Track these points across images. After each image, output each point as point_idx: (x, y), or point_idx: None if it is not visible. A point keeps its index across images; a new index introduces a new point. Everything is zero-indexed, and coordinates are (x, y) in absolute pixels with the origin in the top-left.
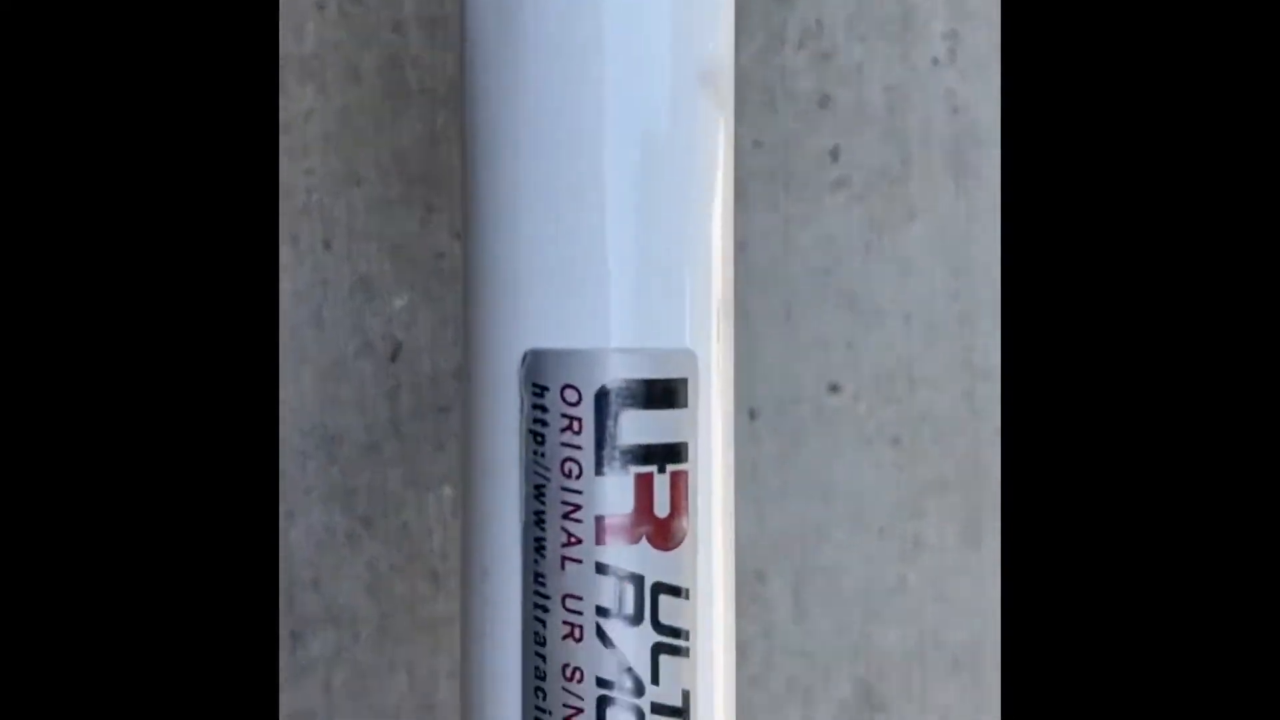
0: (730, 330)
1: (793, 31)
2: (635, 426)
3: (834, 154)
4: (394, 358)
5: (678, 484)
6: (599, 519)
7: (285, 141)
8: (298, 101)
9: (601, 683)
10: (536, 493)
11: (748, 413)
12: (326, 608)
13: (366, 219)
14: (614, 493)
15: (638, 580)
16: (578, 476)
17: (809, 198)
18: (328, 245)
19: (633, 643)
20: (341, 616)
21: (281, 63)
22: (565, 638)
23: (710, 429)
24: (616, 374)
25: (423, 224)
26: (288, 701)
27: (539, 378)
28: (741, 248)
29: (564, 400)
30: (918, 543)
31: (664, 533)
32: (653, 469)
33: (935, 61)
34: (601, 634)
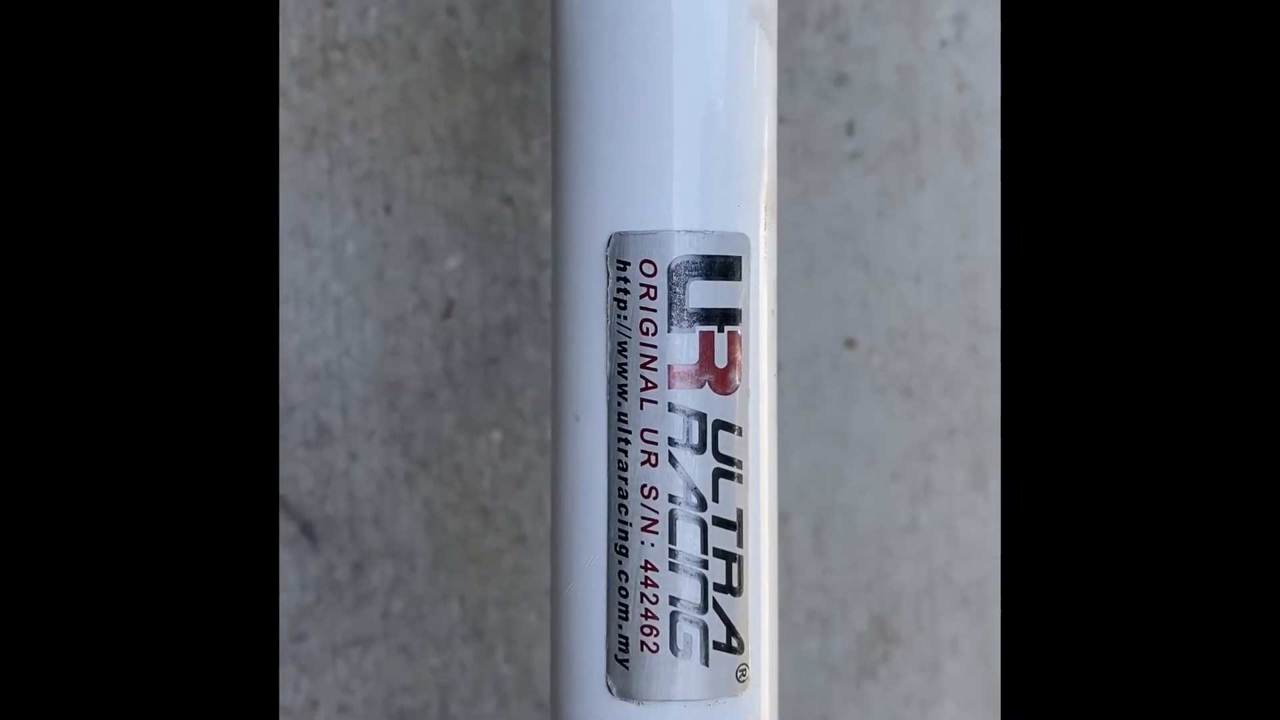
0: (774, 223)
1: (812, 15)
2: (700, 294)
3: (849, 128)
4: (447, 314)
5: (733, 342)
6: (670, 368)
7: (350, 114)
8: (362, 78)
9: (672, 499)
10: (619, 349)
11: None
12: (386, 542)
13: (423, 185)
14: (682, 347)
15: (701, 417)
16: (653, 334)
17: (827, 168)
18: (388, 209)
19: (697, 468)
20: (399, 550)
21: (346, 43)
22: (643, 464)
23: (759, 299)
24: (685, 251)
25: (474, 191)
26: (350, 627)
27: (622, 255)
28: None
29: (642, 273)
30: (928, 486)
31: (722, 380)
32: (714, 328)
33: (943, 43)
34: (672, 460)
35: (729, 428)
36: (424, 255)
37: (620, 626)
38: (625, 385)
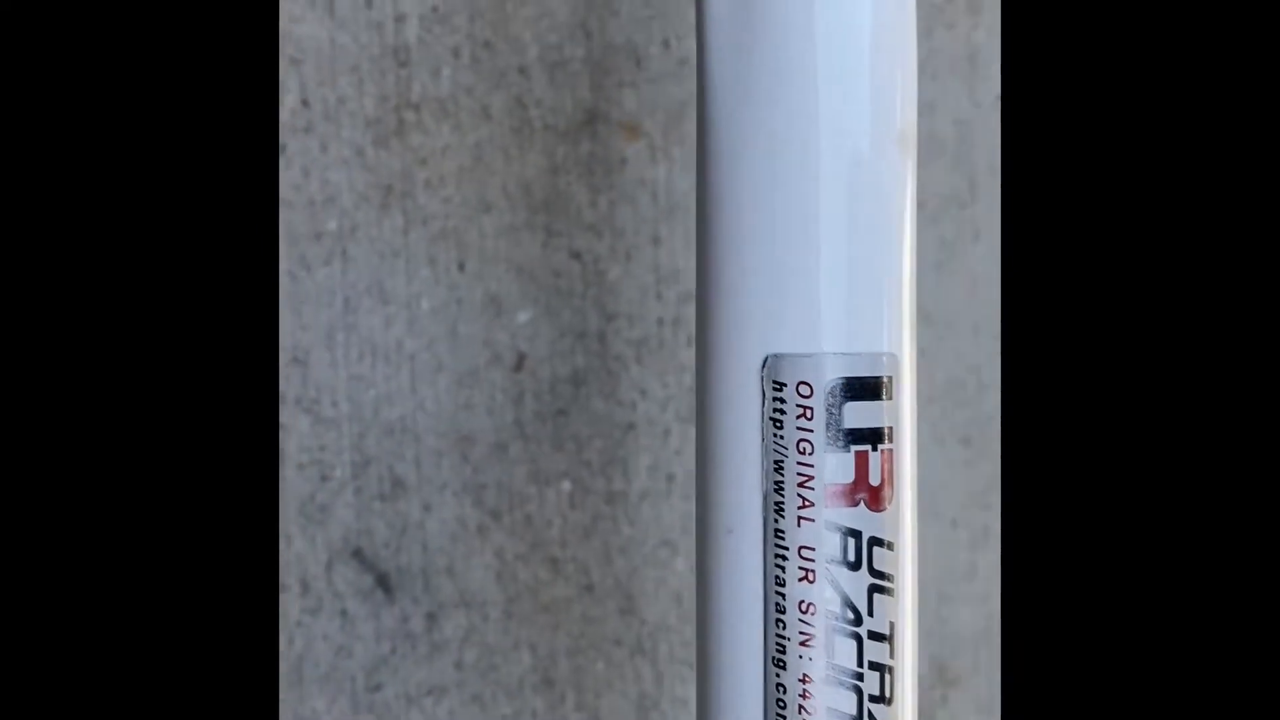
0: (914, 338)
1: None
2: (854, 414)
3: None
4: (518, 367)
5: (886, 460)
6: (827, 487)
7: (424, 174)
8: (435, 138)
9: (829, 614)
10: (776, 467)
11: None
12: (459, 592)
13: (495, 242)
14: (839, 466)
15: (857, 535)
16: (810, 454)
17: None
18: (461, 267)
19: (853, 584)
20: (472, 600)
21: (420, 103)
22: (801, 580)
23: (906, 417)
24: (840, 373)
25: (544, 246)
26: (425, 677)
27: (778, 376)
28: None
29: (799, 394)
30: (986, 532)
31: (876, 498)
32: (867, 448)
33: (999, 98)
34: (830, 577)
35: (883, 544)
36: (496, 310)
37: None
38: (782, 503)
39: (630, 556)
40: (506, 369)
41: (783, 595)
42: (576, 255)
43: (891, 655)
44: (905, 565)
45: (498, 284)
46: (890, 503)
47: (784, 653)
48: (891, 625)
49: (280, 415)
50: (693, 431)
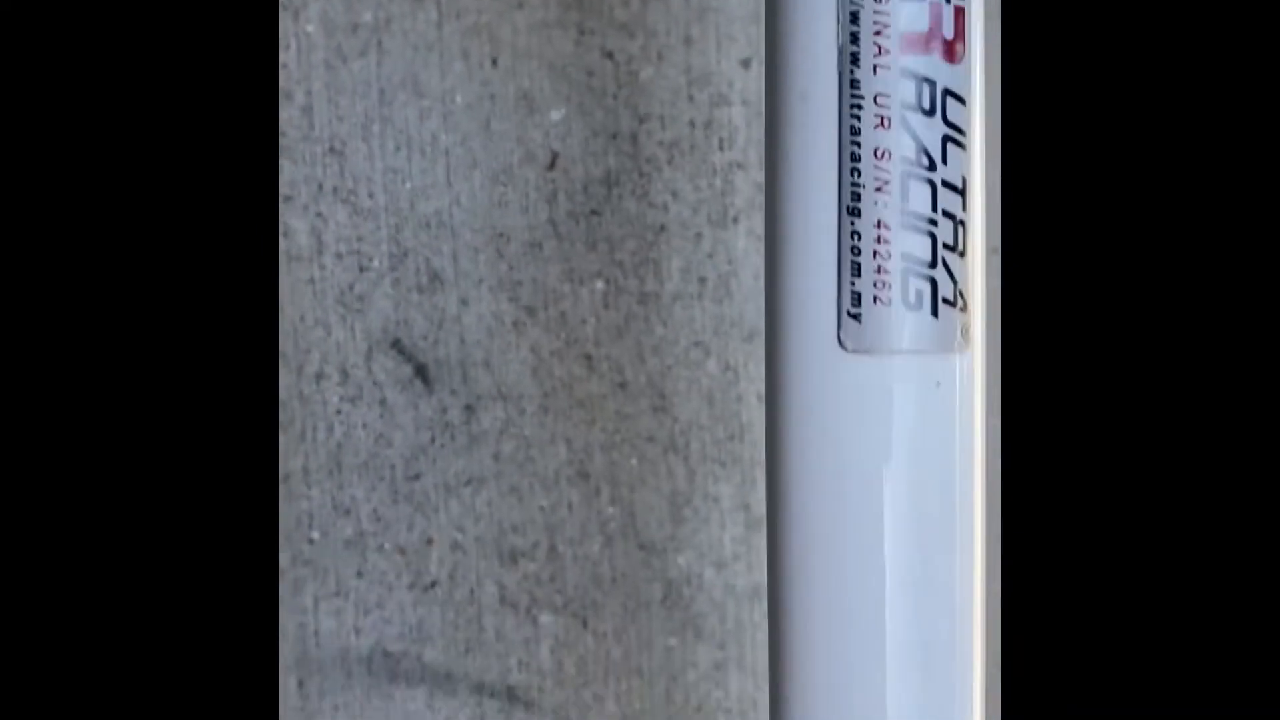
0: None
1: None
2: None
3: None
4: (551, 166)
5: (959, 15)
6: (903, 34)
7: None
8: None
9: (904, 160)
10: (852, 17)
11: None
12: (496, 385)
13: (528, 39)
14: (914, 14)
15: (931, 83)
16: (886, 1)
17: None
18: (495, 62)
19: (928, 131)
20: (509, 394)
21: None
22: (876, 127)
23: None
24: None
25: (576, 45)
26: (462, 468)
27: None
28: None
29: None
30: None
31: (949, 50)
32: (941, 0)
33: None
34: (905, 122)
35: (956, 96)
36: (528, 108)
37: (853, 283)
38: (858, 53)
39: (663, 356)
40: (540, 167)
41: (858, 144)
42: (609, 54)
43: (964, 209)
44: (976, 126)
45: (530, 81)
46: (962, 58)
47: (858, 200)
48: (964, 180)
49: (317, 205)
50: (724, 234)
